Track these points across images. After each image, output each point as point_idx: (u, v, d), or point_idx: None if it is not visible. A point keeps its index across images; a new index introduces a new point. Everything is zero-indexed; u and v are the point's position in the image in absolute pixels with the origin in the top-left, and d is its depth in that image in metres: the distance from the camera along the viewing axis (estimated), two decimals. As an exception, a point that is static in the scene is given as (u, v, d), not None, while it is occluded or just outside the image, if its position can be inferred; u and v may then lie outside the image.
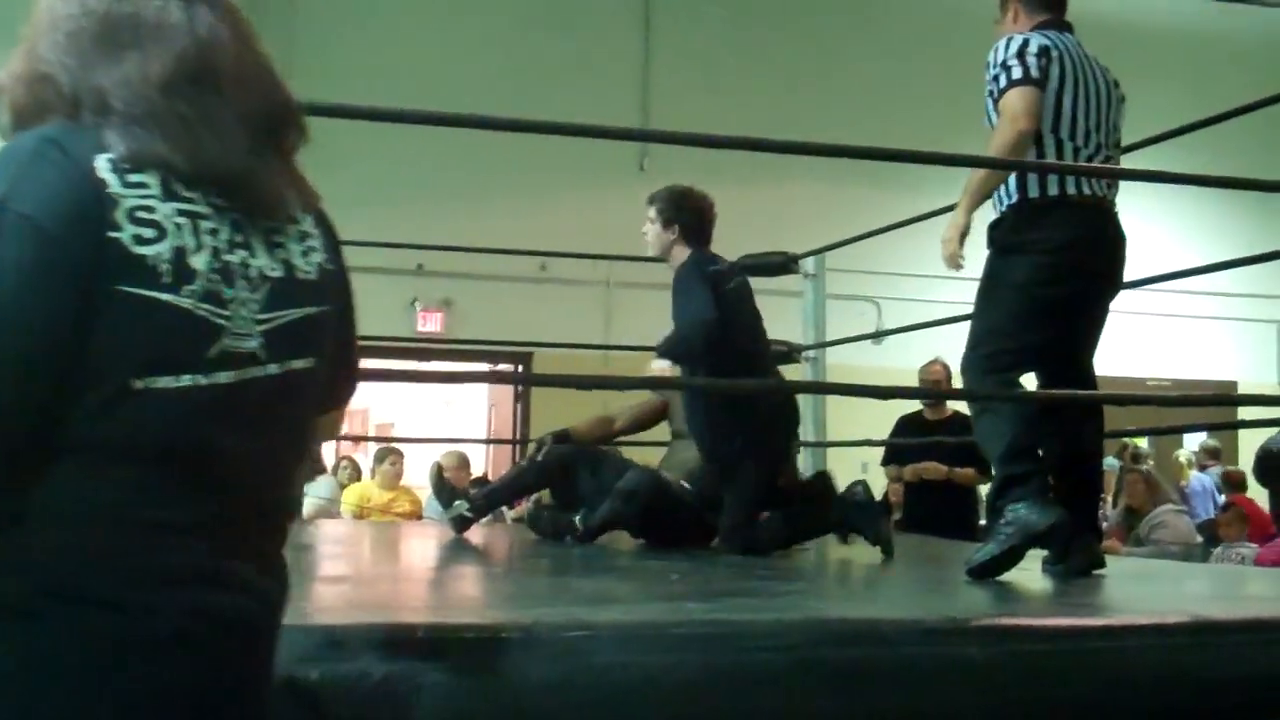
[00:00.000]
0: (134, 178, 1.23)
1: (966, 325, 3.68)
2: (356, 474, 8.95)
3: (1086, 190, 3.51)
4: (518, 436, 10.63)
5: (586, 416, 5.01)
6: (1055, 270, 3.49)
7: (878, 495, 4.69)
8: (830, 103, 10.92)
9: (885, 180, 7.64)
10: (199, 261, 1.24)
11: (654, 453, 5.18)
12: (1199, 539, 7.68)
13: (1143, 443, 10.27)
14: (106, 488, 1.19)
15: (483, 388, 12.78)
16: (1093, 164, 3.54)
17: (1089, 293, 3.56)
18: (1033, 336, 3.51)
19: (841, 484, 4.59)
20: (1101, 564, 3.59)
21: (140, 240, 1.21)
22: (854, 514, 4.36)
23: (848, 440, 6.01)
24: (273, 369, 1.29)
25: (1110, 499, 8.47)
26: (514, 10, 11.15)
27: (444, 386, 14.22)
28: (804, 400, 5.98)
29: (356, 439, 13.31)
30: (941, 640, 2.31)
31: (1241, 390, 11.88)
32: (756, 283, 5.53)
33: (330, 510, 7.74)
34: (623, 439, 5.11)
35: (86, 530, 1.18)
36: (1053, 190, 3.51)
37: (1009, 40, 3.56)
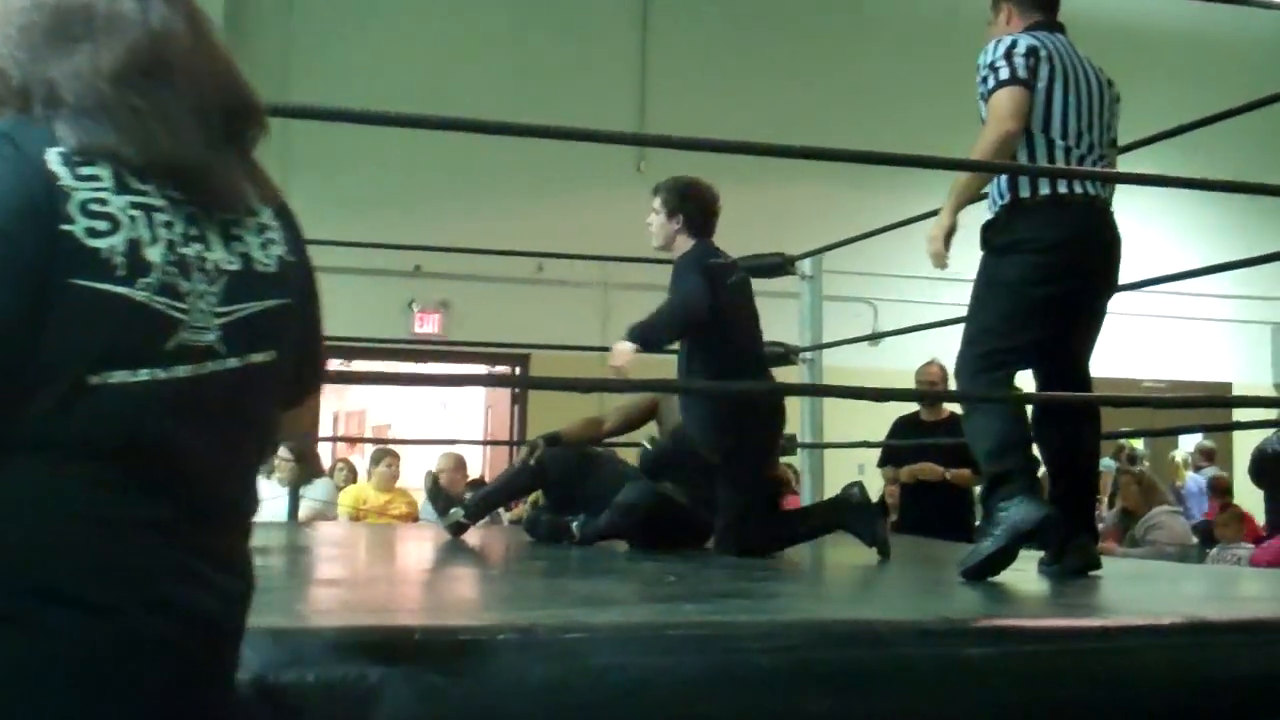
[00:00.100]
0: (86, 170, 1.22)
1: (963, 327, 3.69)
2: (353, 476, 8.94)
3: (1079, 189, 3.51)
4: (514, 438, 10.63)
5: (582, 414, 5.01)
6: (1048, 270, 3.49)
7: (874, 497, 4.69)
8: (827, 104, 10.93)
9: (882, 182, 7.63)
10: (154, 254, 1.23)
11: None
12: (1195, 540, 7.68)
13: (1138, 444, 10.30)
14: (65, 485, 1.18)
15: (479, 389, 12.79)
16: (1084, 163, 3.54)
17: (1082, 292, 3.56)
18: (1025, 336, 3.52)
19: (838, 485, 4.59)
20: (1097, 565, 3.60)
21: (93, 233, 1.20)
22: (850, 515, 4.36)
23: (844, 442, 6.01)
24: (232, 363, 1.28)
25: (1106, 500, 8.48)
26: (511, 12, 11.16)
27: (441, 388, 14.21)
28: (801, 402, 6.00)
29: (353, 440, 13.31)
30: (938, 641, 2.31)
31: (1237, 392, 11.89)
32: (754, 284, 5.55)
33: (327, 512, 7.74)
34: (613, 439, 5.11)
35: (45, 528, 1.18)
36: (1044, 190, 3.51)
37: (997, 42, 3.57)
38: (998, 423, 3.46)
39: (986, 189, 3.66)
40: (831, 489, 5.07)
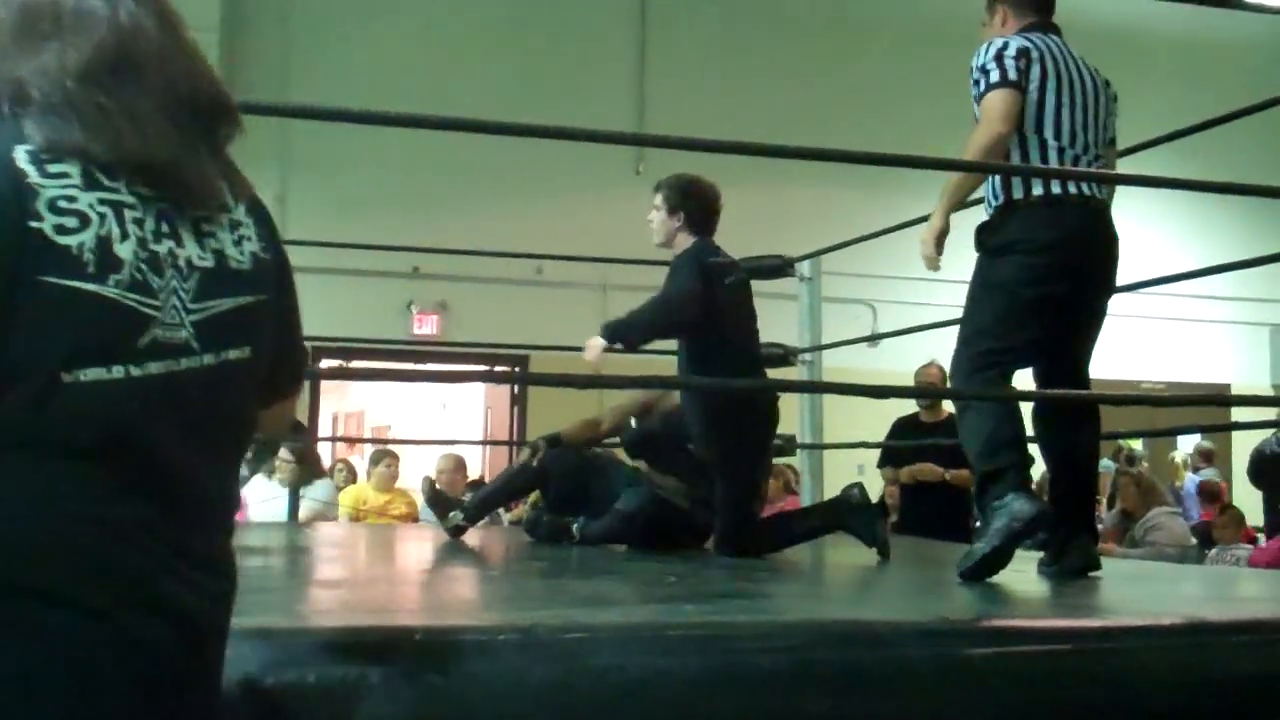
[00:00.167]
0: (54, 168, 1.22)
1: (961, 328, 3.69)
2: (352, 476, 8.94)
3: (1074, 190, 3.51)
4: (514, 439, 10.63)
5: (581, 414, 5.01)
6: (1041, 270, 3.49)
7: (874, 498, 4.69)
8: (826, 105, 10.93)
9: (881, 183, 7.64)
10: (124, 251, 1.23)
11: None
12: (1194, 541, 7.69)
13: (1137, 445, 10.30)
14: (46, 483, 1.18)
15: (479, 390, 12.79)
16: (1079, 164, 3.54)
17: (1078, 293, 3.55)
18: (1020, 337, 3.51)
19: (838, 486, 4.59)
20: (1097, 565, 3.60)
21: (62, 230, 1.20)
22: (850, 516, 4.37)
23: (844, 442, 6.01)
24: (207, 359, 1.28)
25: (1105, 501, 8.48)
26: (511, 12, 11.16)
27: (440, 388, 14.20)
28: (800, 402, 5.99)
29: (352, 441, 13.31)
30: (937, 642, 2.31)
31: (1235, 393, 11.89)
32: (753, 286, 5.55)
33: (328, 513, 7.74)
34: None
35: (28, 527, 1.17)
36: (1038, 190, 3.50)
37: (989, 44, 3.58)
38: (989, 422, 3.45)
39: (981, 192, 3.67)
40: (831, 490, 5.07)
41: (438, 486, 5.49)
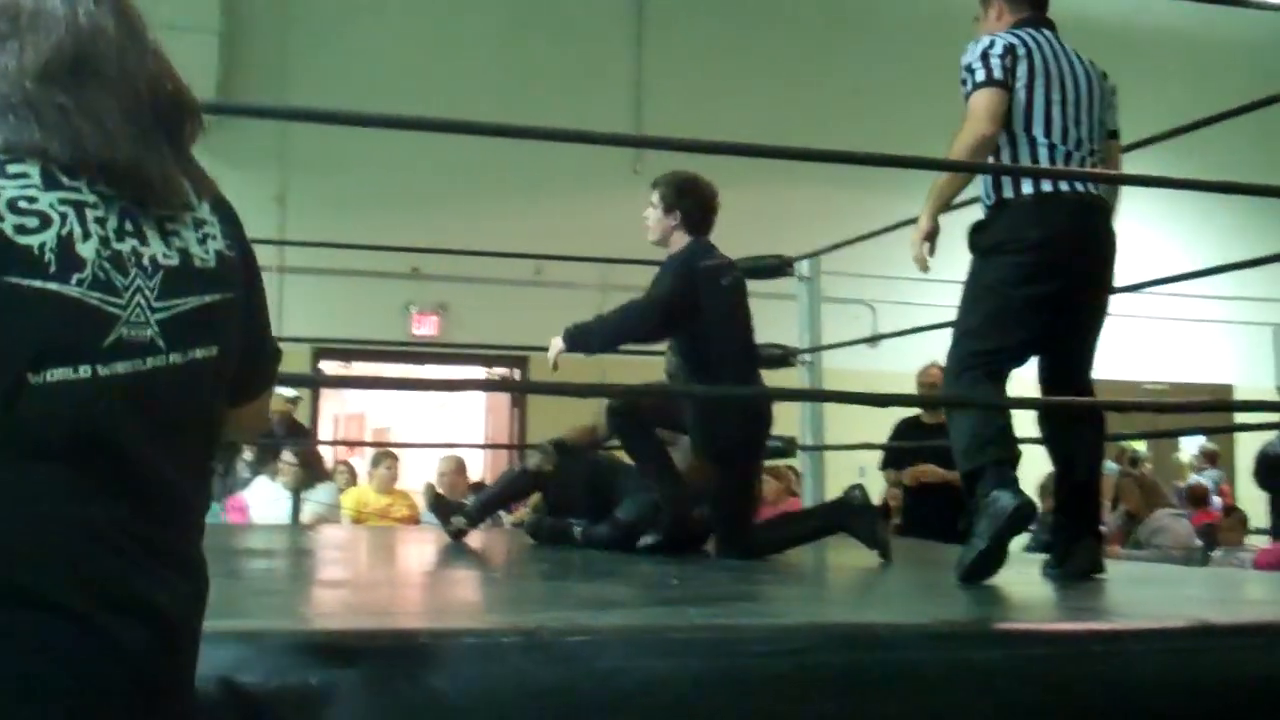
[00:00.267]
0: (13, 168, 1.21)
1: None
2: (353, 479, 8.94)
3: (1066, 187, 3.49)
4: (514, 440, 10.63)
5: (582, 418, 4.99)
6: (1030, 270, 3.47)
7: (875, 499, 4.68)
8: (824, 106, 10.94)
9: (880, 183, 7.62)
10: (86, 250, 1.22)
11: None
12: (1199, 543, 7.68)
13: (1141, 446, 10.30)
14: (18, 485, 1.17)
15: (478, 392, 12.80)
16: (1072, 160, 3.52)
17: (1071, 292, 3.51)
18: (1011, 338, 3.49)
19: (840, 487, 4.59)
20: (1101, 568, 3.59)
21: (22, 230, 1.19)
22: (851, 518, 4.36)
23: (845, 444, 6.00)
24: (174, 359, 1.27)
25: (1110, 503, 8.48)
26: (508, 14, 11.17)
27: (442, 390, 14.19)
28: (802, 404, 5.99)
29: (351, 444, 13.31)
30: (941, 645, 2.30)
31: (1238, 394, 11.89)
32: (751, 286, 5.54)
33: (331, 515, 7.74)
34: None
35: (3, 529, 1.17)
36: (1027, 189, 3.49)
37: (976, 43, 3.57)
38: (970, 420, 3.44)
39: (975, 192, 3.66)
40: (833, 491, 5.06)
41: (439, 490, 5.49)
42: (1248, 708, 2.37)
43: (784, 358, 5.74)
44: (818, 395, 6.05)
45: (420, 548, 4.72)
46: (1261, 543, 7.76)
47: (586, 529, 4.51)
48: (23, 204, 1.20)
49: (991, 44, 3.54)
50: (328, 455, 9.48)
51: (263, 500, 7.58)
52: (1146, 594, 3.61)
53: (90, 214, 1.24)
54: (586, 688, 2.02)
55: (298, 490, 7.66)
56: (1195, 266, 4.69)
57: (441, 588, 3.49)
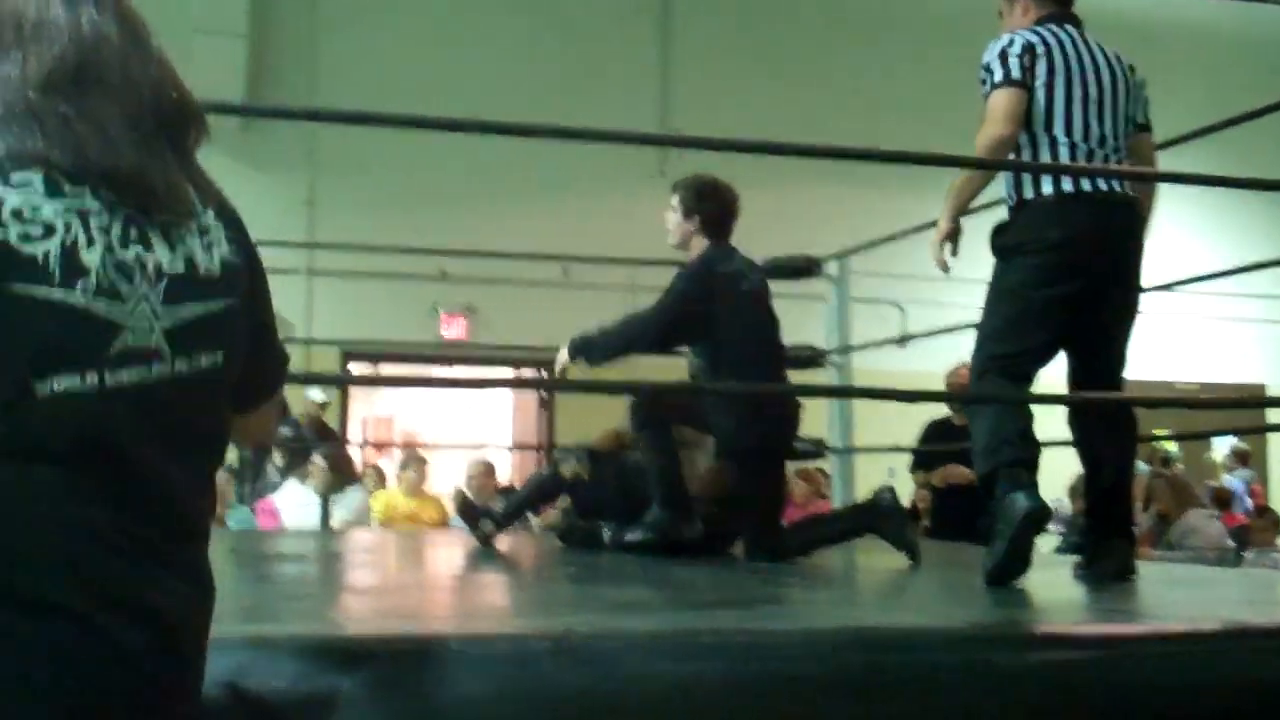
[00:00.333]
0: (17, 177, 1.22)
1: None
2: (381, 481, 8.98)
3: (1086, 186, 3.45)
4: (542, 441, 10.64)
5: (610, 419, 4.98)
6: (1049, 271, 3.44)
7: (905, 501, 4.66)
8: (851, 104, 10.92)
9: (909, 182, 7.58)
10: (91, 257, 1.22)
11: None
12: (1231, 544, 7.62)
13: (1172, 446, 10.22)
14: (19, 491, 1.18)
15: (506, 392, 12.82)
16: (1094, 158, 3.48)
17: (1094, 292, 3.47)
18: (1032, 340, 3.46)
19: (869, 489, 4.57)
20: (1132, 570, 3.56)
21: (26, 238, 1.19)
22: (880, 519, 4.34)
23: (874, 446, 5.98)
24: (179, 366, 1.27)
25: (1141, 504, 8.42)
26: (534, 16, 11.19)
27: (468, 391, 14.24)
28: (831, 405, 5.98)
29: (380, 445, 13.36)
30: (971, 648, 2.29)
31: (1270, 393, 11.79)
32: (779, 286, 5.51)
33: (361, 519, 7.77)
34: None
35: (9, 534, 1.17)
36: (1047, 189, 3.46)
37: (995, 42, 3.55)
38: (989, 422, 3.41)
39: (999, 193, 3.63)
40: (862, 493, 5.04)
41: (468, 495, 5.51)
42: (1282, 710, 2.35)
43: (813, 358, 5.72)
44: (844, 391, 6.03)
45: (449, 551, 4.73)
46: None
47: (616, 532, 4.50)
48: (26, 213, 1.20)
49: (1010, 43, 3.52)
50: (356, 458, 9.53)
51: (293, 504, 7.61)
52: (1179, 596, 3.58)
53: (94, 221, 1.24)
54: (614, 692, 2.02)
55: (327, 493, 7.69)
56: (1222, 265, 4.65)
57: (470, 592, 3.49)
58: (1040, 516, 3.28)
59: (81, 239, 1.22)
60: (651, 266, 6.05)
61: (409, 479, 8.29)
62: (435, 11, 11.03)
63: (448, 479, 10.42)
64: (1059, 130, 3.48)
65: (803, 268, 5.76)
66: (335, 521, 7.55)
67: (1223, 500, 9.37)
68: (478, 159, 9.90)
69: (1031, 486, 3.29)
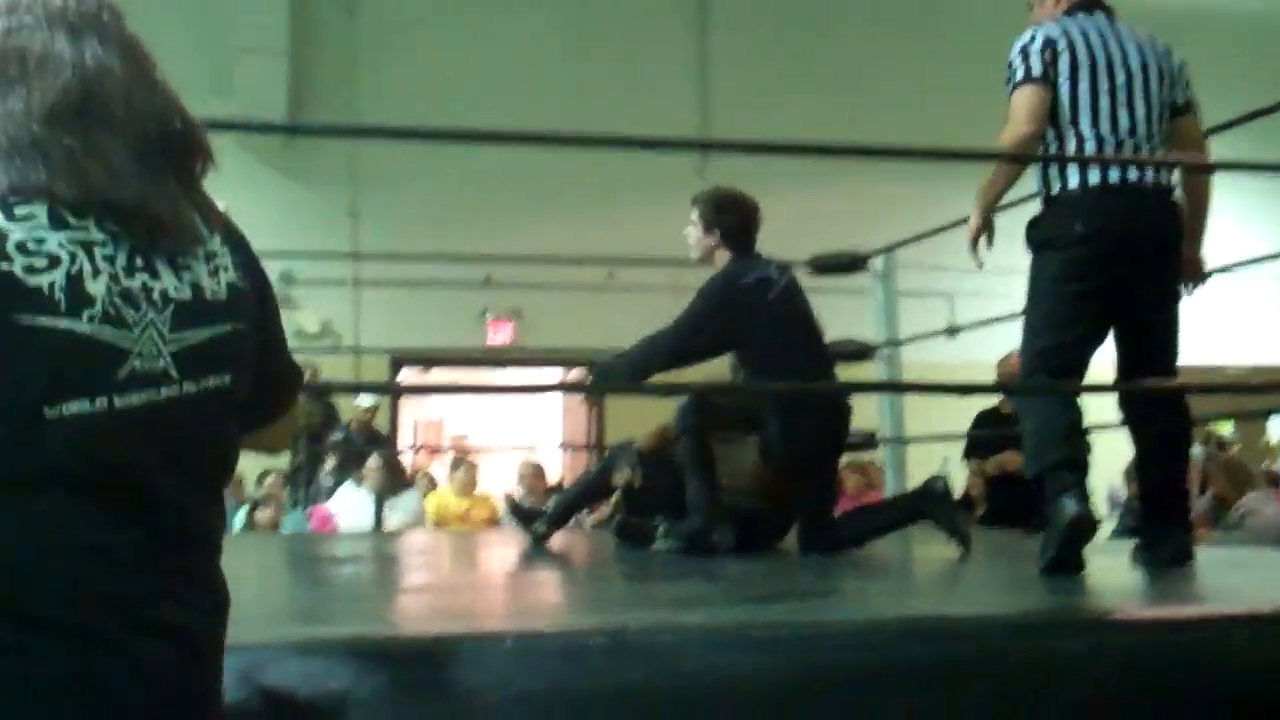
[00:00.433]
0: (21, 210, 1.24)
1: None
2: (432, 484, 9.05)
3: (1115, 178, 3.42)
4: (590, 442, 10.67)
5: (658, 418, 4.98)
6: (1080, 264, 3.41)
7: (957, 490, 4.64)
8: (890, 102, 10.86)
9: (952, 175, 7.55)
10: (96, 287, 1.24)
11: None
12: (1289, 525, 7.52)
13: (1227, 429, 10.12)
14: (35, 517, 1.20)
15: (555, 394, 12.87)
16: (1124, 149, 3.44)
17: (1127, 282, 3.44)
18: (1070, 333, 3.43)
19: (921, 480, 4.56)
20: (1190, 555, 3.53)
21: (32, 270, 1.21)
22: (933, 505, 4.33)
23: (926, 435, 5.96)
24: (187, 389, 1.29)
25: (1196, 488, 8.34)
26: (571, 24, 11.23)
27: (517, 395, 14.32)
28: (881, 398, 5.96)
29: (431, 449, 13.44)
30: (1030, 635, 2.29)
31: (1324, 373, 11.63)
32: (827, 282, 5.50)
33: (418, 521, 7.84)
34: None
35: (24, 559, 1.19)
36: (1073, 183, 3.44)
37: (1019, 39, 3.53)
38: (1034, 422, 3.39)
39: (1033, 188, 3.61)
40: (915, 484, 5.02)
41: (517, 500, 5.54)
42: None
43: (862, 352, 5.71)
44: (891, 386, 6.02)
45: (502, 551, 4.76)
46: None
47: (669, 529, 4.51)
48: (31, 245, 1.22)
49: (1031, 39, 3.50)
50: (406, 463, 9.60)
51: (347, 507, 7.68)
52: (1237, 579, 3.55)
53: (99, 252, 1.26)
54: (672, 687, 2.03)
55: (382, 495, 7.76)
56: (1268, 248, 4.60)
57: (525, 590, 3.51)
58: (1087, 525, 3.24)
59: (86, 269, 1.24)
60: (695, 267, 6.07)
61: (460, 479, 8.35)
62: (473, 23, 11.08)
63: (498, 480, 10.48)
64: (1085, 124, 3.45)
65: (847, 264, 5.75)
66: (392, 524, 7.62)
67: (1275, 481, 9.26)
68: (518, 166, 9.92)
69: (1079, 490, 3.26)
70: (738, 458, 4.46)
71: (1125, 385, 3.65)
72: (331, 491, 8.12)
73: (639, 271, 8.75)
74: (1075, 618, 2.55)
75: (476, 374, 11.60)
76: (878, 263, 6.01)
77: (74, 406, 1.21)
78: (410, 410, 13.79)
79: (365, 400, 8.95)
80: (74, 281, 1.23)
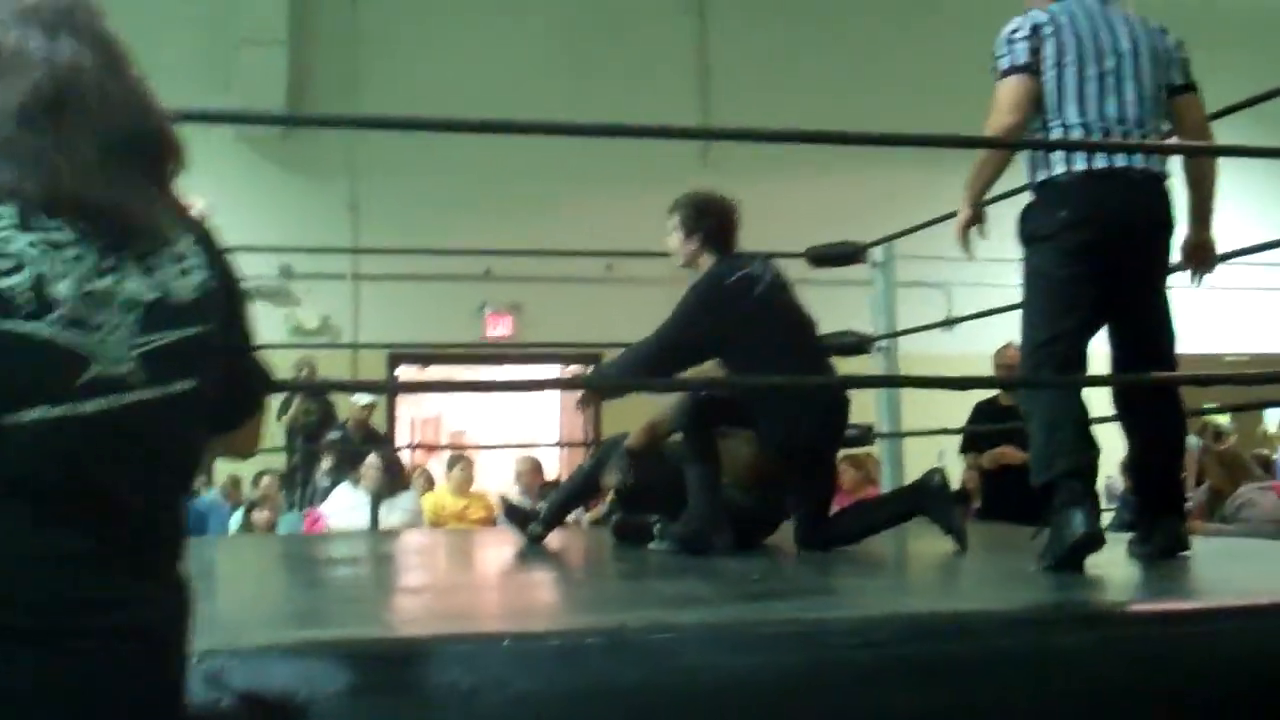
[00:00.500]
0: None
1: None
2: (430, 483, 9.05)
3: (1101, 164, 3.39)
4: (589, 438, 10.66)
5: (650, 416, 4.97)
6: (1066, 253, 3.39)
7: (954, 484, 4.63)
8: (890, 91, 10.84)
9: (949, 165, 7.55)
10: (61, 290, 1.23)
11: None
12: (1286, 514, 7.52)
13: (1224, 419, 10.11)
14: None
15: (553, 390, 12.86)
16: (1111, 136, 3.41)
17: (1117, 269, 3.41)
18: (1064, 323, 3.40)
19: (919, 473, 4.55)
20: (1185, 545, 3.52)
21: None
22: (930, 500, 4.32)
23: (923, 429, 5.96)
24: (151, 393, 1.28)
25: (1193, 478, 8.33)
26: (571, 13, 11.21)
27: (514, 392, 14.29)
28: (878, 391, 5.96)
29: (428, 447, 13.43)
30: (1029, 630, 2.29)
31: (1323, 362, 11.64)
32: (824, 273, 5.48)
33: (414, 520, 7.84)
34: None
35: None
36: (1058, 170, 3.42)
37: (1006, 26, 3.52)
38: (1040, 428, 3.37)
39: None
40: (912, 477, 5.01)
41: (512, 501, 5.55)
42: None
43: (859, 345, 5.70)
44: (889, 380, 6.01)
45: (499, 550, 4.75)
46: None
47: (665, 527, 4.50)
48: None
49: (1016, 27, 3.49)
50: (404, 460, 9.60)
51: (342, 507, 7.68)
52: (1234, 570, 3.55)
53: (67, 253, 1.25)
54: (671, 686, 2.03)
55: (379, 496, 7.75)
56: (1269, 235, 4.59)
57: (521, 590, 3.51)
58: (1094, 543, 3.20)
59: (53, 272, 1.24)
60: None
61: (456, 478, 8.35)
62: (473, 14, 11.06)
63: (495, 476, 10.48)
64: (1071, 112, 3.42)
65: (847, 254, 5.73)
66: (391, 524, 7.62)
67: (1266, 465, 9.25)
68: (519, 157, 9.92)
69: (1088, 502, 3.23)
70: (731, 451, 4.44)
71: (1123, 378, 3.64)
72: (328, 492, 8.11)
73: (638, 264, 8.74)
74: (1074, 613, 2.55)
75: (475, 370, 11.59)
76: (876, 253, 5.99)
77: (34, 413, 1.20)
78: (407, 407, 13.79)
79: (362, 398, 8.95)
80: (39, 284, 1.22)
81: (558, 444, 11.76)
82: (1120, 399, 3.62)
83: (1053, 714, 2.21)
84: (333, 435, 8.75)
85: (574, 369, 11.11)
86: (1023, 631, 2.29)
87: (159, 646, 1.28)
